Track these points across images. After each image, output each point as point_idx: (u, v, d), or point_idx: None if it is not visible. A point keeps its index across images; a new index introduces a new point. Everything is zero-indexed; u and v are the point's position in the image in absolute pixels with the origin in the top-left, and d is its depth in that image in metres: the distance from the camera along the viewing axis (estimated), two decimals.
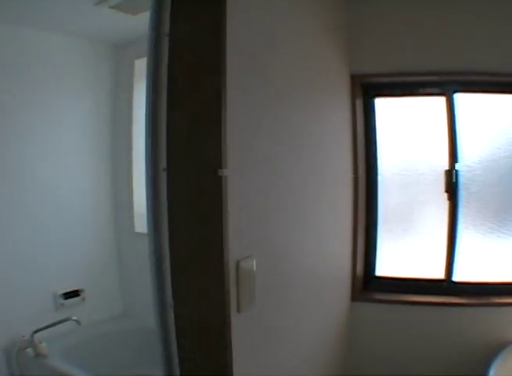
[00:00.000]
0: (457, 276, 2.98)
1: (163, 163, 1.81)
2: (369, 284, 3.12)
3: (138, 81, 3.79)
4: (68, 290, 3.67)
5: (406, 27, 2.82)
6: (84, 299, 3.75)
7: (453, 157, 2.88)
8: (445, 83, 2.89)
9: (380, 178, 3.09)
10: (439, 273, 3.02)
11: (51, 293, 3.58)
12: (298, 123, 2.23)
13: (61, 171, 3.63)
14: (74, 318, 3.39)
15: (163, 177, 1.82)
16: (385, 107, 3.08)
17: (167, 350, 1.83)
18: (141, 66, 3.71)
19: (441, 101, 2.92)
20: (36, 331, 3.24)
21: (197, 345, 1.83)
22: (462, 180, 2.90)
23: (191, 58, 1.78)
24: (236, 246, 1.77)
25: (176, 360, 1.83)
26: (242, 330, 1.83)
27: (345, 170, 2.87)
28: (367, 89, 3.03)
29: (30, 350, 3.23)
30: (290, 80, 2.18)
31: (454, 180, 2.88)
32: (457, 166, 2.88)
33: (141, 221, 3.83)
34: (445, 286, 3.01)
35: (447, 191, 2.90)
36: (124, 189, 3.90)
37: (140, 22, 3.24)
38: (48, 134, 3.55)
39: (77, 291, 3.72)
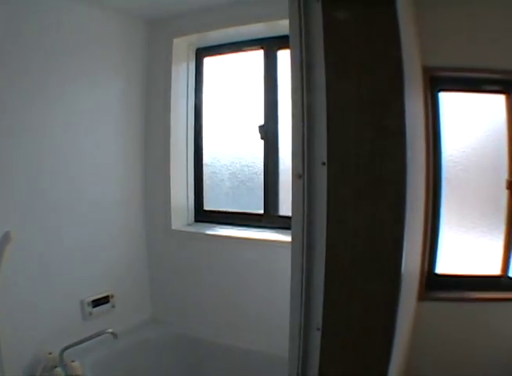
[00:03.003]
0: None
1: (322, 156, 1.56)
2: (430, 282, 3.01)
3: (176, 63, 3.44)
4: (97, 296, 3.22)
5: (481, 19, 2.66)
6: (113, 306, 3.30)
7: None
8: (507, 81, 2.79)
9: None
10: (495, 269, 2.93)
11: (78, 301, 3.12)
12: None
13: (86, 161, 3.15)
14: (110, 330, 2.94)
15: (321, 172, 1.58)
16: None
17: None
18: (180, 46, 3.42)
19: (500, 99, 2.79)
20: (66, 348, 2.80)
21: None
22: None
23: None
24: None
25: None
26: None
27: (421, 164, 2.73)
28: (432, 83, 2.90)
29: (59, 369, 2.76)
30: None
31: None
32: None
33: (179, 217, 3.57)
34: (504, 281, 2.93)
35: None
36: (160, 181, 3.53)
37: None
38: (71, 118, 3.03)
39: (106, 297, 3.27)
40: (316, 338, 1.59)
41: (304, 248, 1.62)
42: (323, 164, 1.55)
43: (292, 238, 1.67)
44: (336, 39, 1.54)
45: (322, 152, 1.56)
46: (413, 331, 2.74)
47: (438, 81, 2.86)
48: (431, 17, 2.62)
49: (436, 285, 2.99)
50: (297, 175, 1.60)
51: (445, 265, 2.99)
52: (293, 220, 1.65)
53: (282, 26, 2.84)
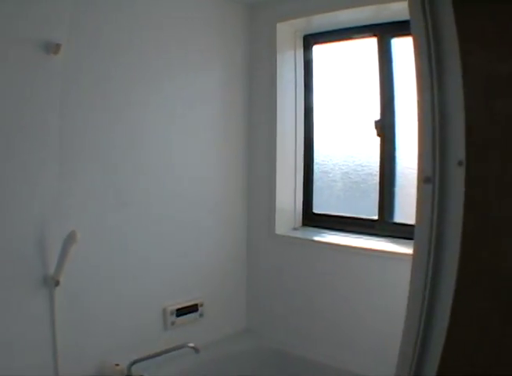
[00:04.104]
0: None
1: (458, 154, 1.25)
2: None
3: (282, 51, 3.16)
4: (183, 305, 2.97)
5: None
6: (201, 315, 3.06)
7: None
8: None
9: None
10: None
11: (160, 308, 2.88)
12: None
13: (181, 159, 2.94)
14: (191, 345, 2.67)
15: (457, 174, 1.26)
16: None
17: None
18: (285, 31, 3.15)
19: None
20: (136, 361, 2.58)
21: None
22: None
23: None
24: None
25: None
26: None
27: None
28: None
29: None
30: None
31: None
32: None
33: (285, 220, 3.25)
34: None
35: None
36: (264, 180, 3.25)
37: None
38: (164, 110, 2.83)
39: (194, 305, 3.02)
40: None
41: (428, 270, 1.32)
42: (460, 164, 1.24)
43: (414, 255, 1.37)
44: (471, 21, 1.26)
45: (458, 149, 1.24)
46: None
47: None
48: None
49: None
50: (424, 179, 1.29)
51: None
52: (417, 232, 1.35)
53: (395, 10, 2.65)
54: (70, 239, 2.28)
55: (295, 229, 3.31)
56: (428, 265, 1.31)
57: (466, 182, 1.24)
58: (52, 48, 2.25)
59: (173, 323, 2.91)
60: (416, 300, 1.35)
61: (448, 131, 1.28)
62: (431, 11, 1.31)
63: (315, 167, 3.30)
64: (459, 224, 1.26)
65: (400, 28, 2.79)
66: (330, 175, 3.23)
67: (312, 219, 3.32)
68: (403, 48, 2.87)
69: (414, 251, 1.36)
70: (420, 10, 1.32)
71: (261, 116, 3.23)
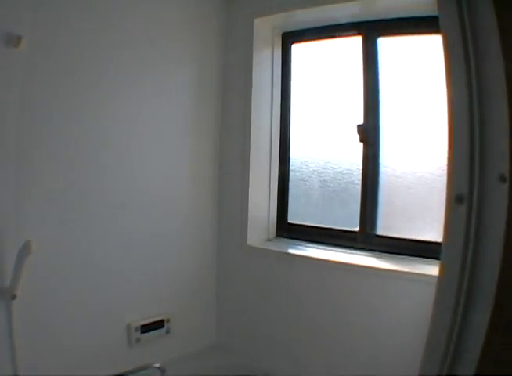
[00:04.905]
0: None
1: (500, 167, 1.06)
2: None
3: (259, 49, 2.98)
4: (148, 321, 2.82)
5: None
6: (168, 332, 2.90)
7: None
8: None
9: None
10: None
11: (123, 325, 2.72)
12: None
13: (147, 160, 2.74)
14: (157, 365, 2.57)
15: (498, 192, 1.05)
16: None
17: None
18: (262, 28, 2.97)
19: None
20: None
21: None
22: None
23: None
24: None
25: None
26: None
27: None
28: None
29: None
30: None
31: None
32: None
33: (258, 230, 3.07)
34: None
35: None
36: (236, 187, 3.08)
37: None
38: (133, 109, 2.64)
39: (160, 321, 2.87)
40: None
41: (461, 298, 1.16)
42: (503, 179, 1.04)
43: (440, 274, 1.23)
44: None
45: (500, 162, 1.03)
46: None
47: None
48: None
49: None
50: (455, 198, 1.07)
51: None
52: (445, 252, 1.21)
53: (382, 7, 2.56)
54: (25, 250, 2.14)
55: (268, 240, 3.12)
56: (458, 299, 1.14)
57: (509, 202, 1.04)
58: (13, 40, 2.10)
59: (138, 340, 2.77)
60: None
61: (488, 140, 1.07)
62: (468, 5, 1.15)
63: (291, 174, 3.11)
64: (497, 252, 1.06)
65: (387, 27, 2.68)
66: (307, 183, 3.04)
67: (287, 230, 3.13)
68: (390, 49, 2.72)
69: (440, 269, 1.23)
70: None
71: (235, 118, 3.05)
